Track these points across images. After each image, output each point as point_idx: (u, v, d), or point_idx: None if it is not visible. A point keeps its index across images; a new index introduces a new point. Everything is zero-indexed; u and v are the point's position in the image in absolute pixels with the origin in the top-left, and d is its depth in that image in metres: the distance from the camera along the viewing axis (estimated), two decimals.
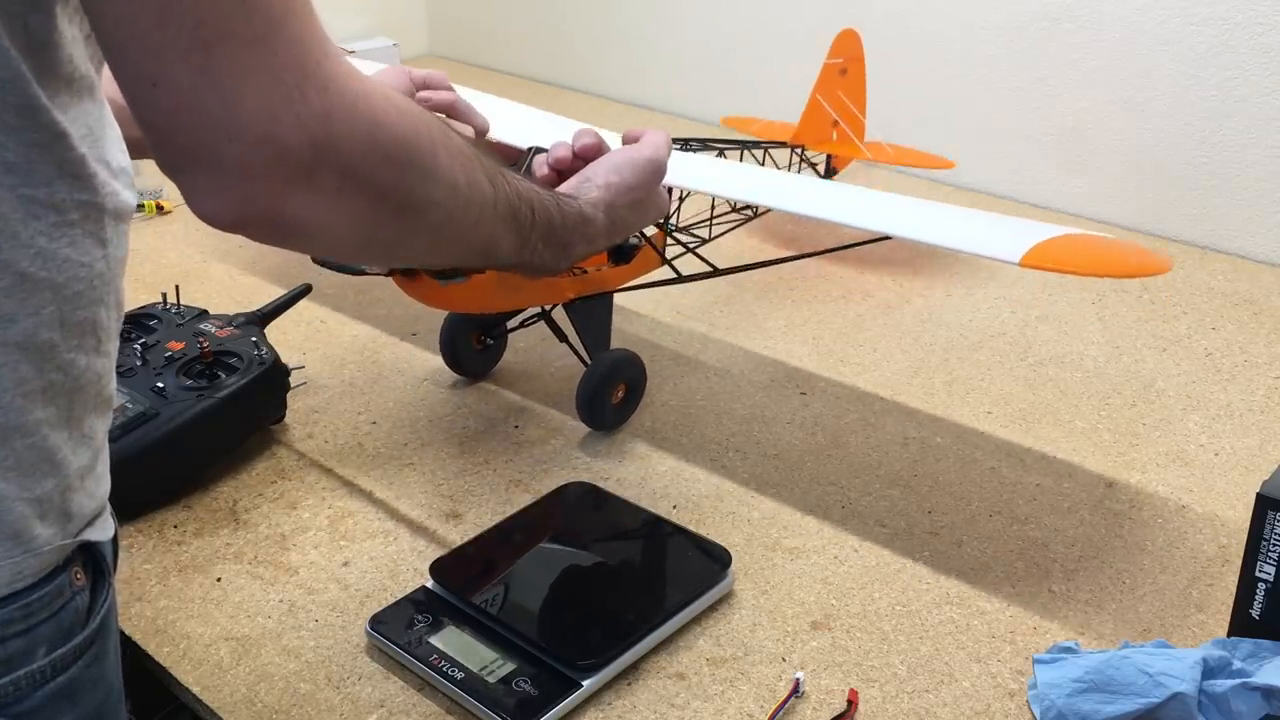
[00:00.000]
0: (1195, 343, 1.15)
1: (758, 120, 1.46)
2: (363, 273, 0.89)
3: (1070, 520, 0.88)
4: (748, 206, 1.14)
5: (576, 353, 1.00)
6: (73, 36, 0.49)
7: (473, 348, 1.06)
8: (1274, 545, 0.69)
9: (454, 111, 0.93)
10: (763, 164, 1.22)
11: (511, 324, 1.05)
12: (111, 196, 0.52)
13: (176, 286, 1.06)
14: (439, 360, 1.09)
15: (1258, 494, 0.69)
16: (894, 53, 1.56)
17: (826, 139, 1.31)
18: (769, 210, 1.16)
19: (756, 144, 1.18)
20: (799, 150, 1.25)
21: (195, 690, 0.72)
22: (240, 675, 0.73)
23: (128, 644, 0.77)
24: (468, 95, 1.08)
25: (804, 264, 1.30)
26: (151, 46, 0.44)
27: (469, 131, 0.92)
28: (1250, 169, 1.33)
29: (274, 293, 1.08)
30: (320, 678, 0.73)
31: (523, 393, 1.05)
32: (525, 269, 0.69)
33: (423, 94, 0.91)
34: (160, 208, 1.44)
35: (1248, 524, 0.70)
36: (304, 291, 1.06)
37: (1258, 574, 0.70)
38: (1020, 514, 0.89)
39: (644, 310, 1.21)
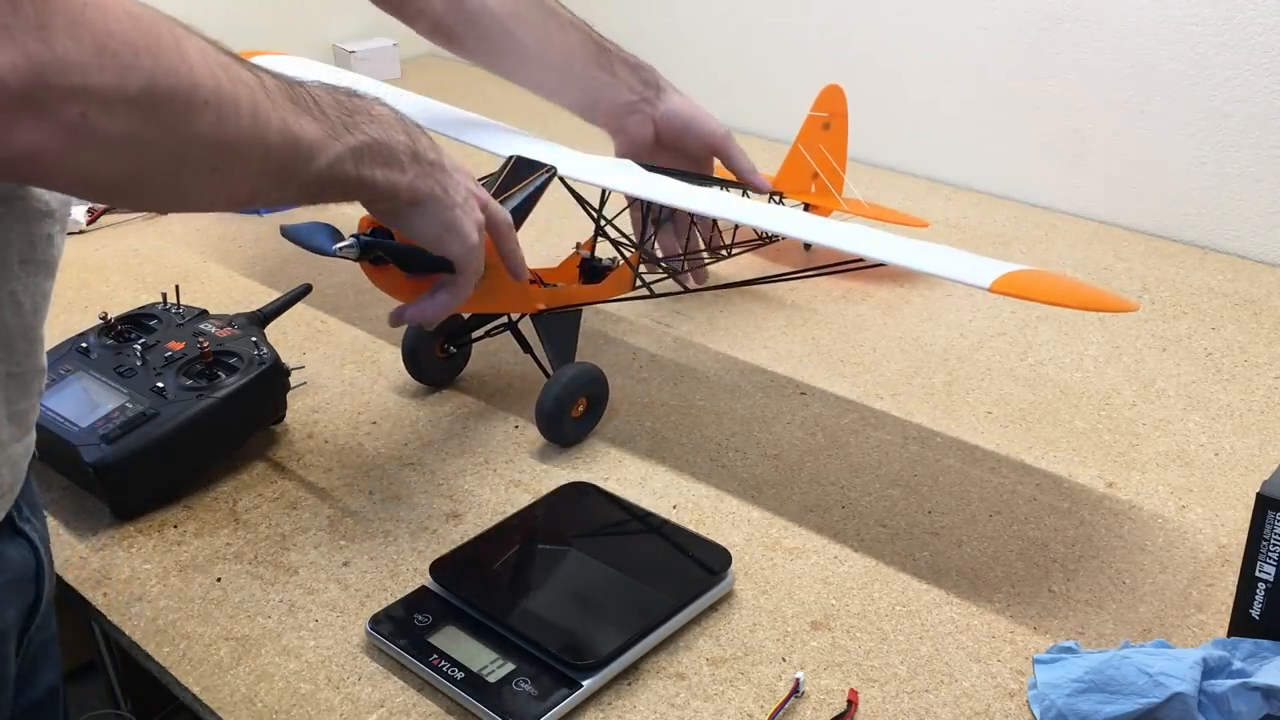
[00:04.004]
0: (1195, 343, 1.15)
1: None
2: (326, 253, 0.82)
3: (1070, 520, 0.88)
4: (722, 247, 1.14)
5: (540, 364, 1.00)
6: None
7: (435, 356, 1.05)
8: (1274, 545, 0.69)
9: None
10: None
11: (476, 333, 1.05)
12: None
13: (176, 286, 1.06)
14: None
15: (1258, 494, 0.69)
16: (896, 52, 1.56)
17: (805, 190, 1.30)
18: (741, 253, 1.15)
19: (734, 184, 1.18)
20: (777, 197, 1.24)
21: (195, 690, 0.72)
22: (240, 675, 0.73)
23: (129, 644, 0.77)
24: (433, 105, 1.09)
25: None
26: None
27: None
28: (1250, 169, 1.33)
29: (274, 293, 1.09)
30: (320, 678, 0.73)
31: (523, 393, 1.05)
32: (359, 180, 0.64)
33: None
34: None
35: (1248, 524, 0.70)
36: (304, 291, 1.06)
37: (1258, 574, 0.70)
38: (1020, 514, 0.89)
39: (643, 310, 1.21)
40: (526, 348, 1.02)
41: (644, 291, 1.04)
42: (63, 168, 0.47)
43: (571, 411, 0.96)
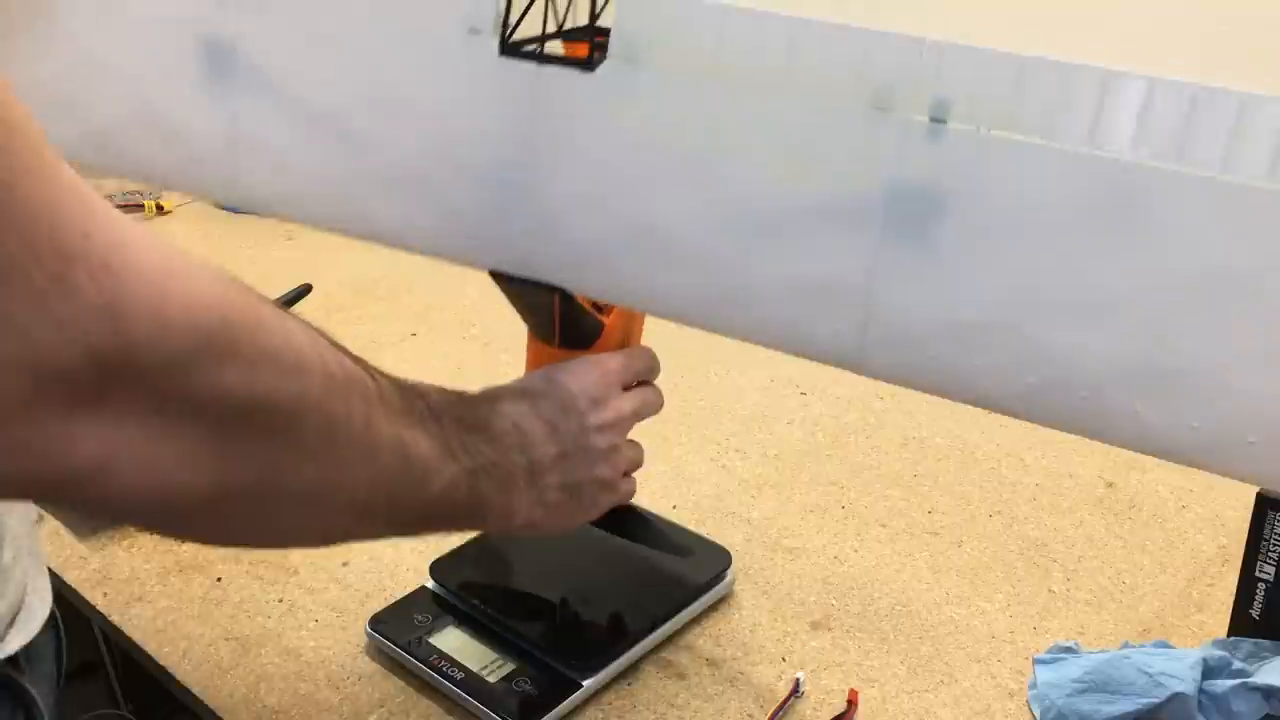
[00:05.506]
0: None
1: None
2: None
3: (1070, 520, 0.88)
4: None
5: None
6: None
7: None
8: (1274, 545, 0.69)
9: None
10: None
11: None
12: None
13: None
14: (439, 360, 1.09)
15: (1258, 494, 0.69)
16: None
17: None
18: None
19: None
20: None
21: (195, 690, 0.72)
22: (240, 675, 0.73)
23: (129, 644, 0.77)
24: None
25: None
26: None
27: None
28: None
29: (274, 293, 1.09)
30: (320, 678, 0.73)
31: None
32: (471, 508, 0.53)
33: None
34: (160, 207, 1.44)
35: (1248, 524, 0.70)
36: (304, 292, 1.06)
37: (1258, 574, 0.70)
38: (1020, 514, 0.89)
39: None
40: None
41: None
42: (135, 474, 0.36)
43: None
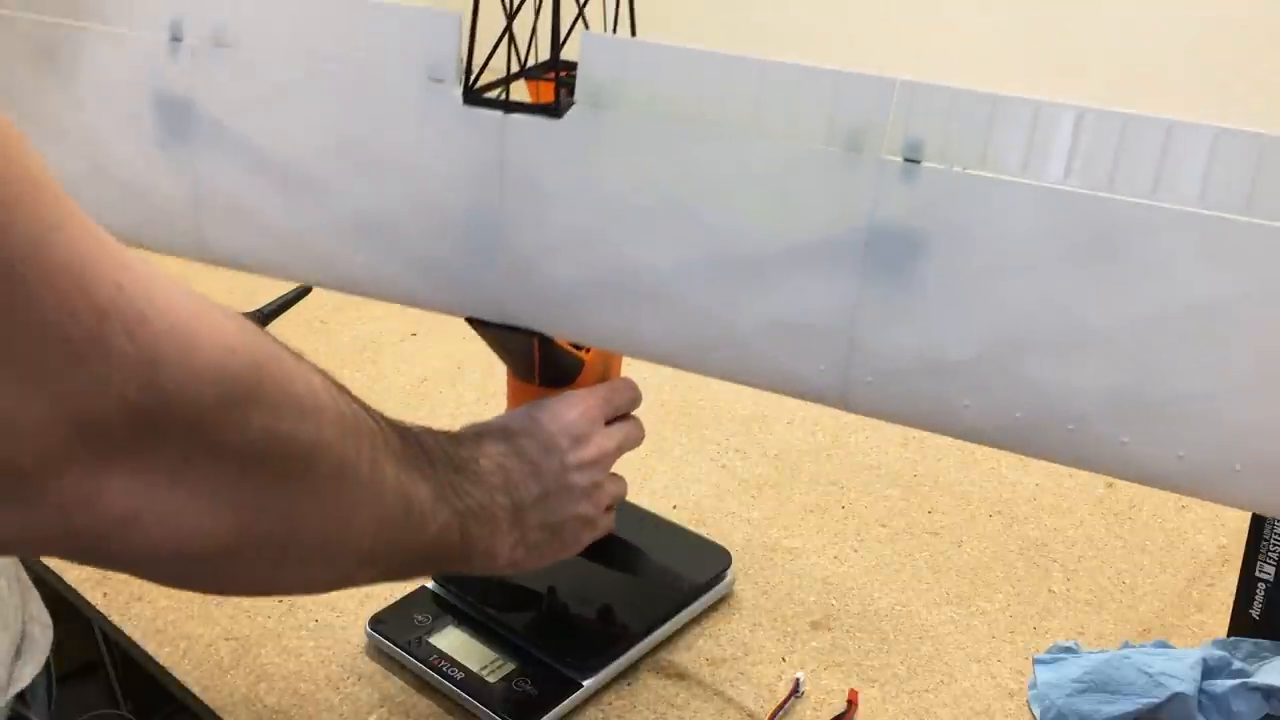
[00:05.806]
0: None
1: None
2: None
3: (1070, 520, 0.88)
4: None
5: None
6: None
7: None
8: (1274, 545, 0.69)
9: None
10: None
11: None
12: None
13: None
14: (439, 360, 1.09)
15: None
16: (903, 60, 1.56)
17: None
18: None
19: None
20: None
21: (195, 690, 0.72)
22: (240, 675, 0.73)
23: (128, 644, 0.77)
24: None
25: None
26: None
27: None
28: None
29: (274, 293, 1.08)
30: (320, 678, 0.73)
31: None
32: (463, 548, 0.53)
33: None
34: None
35: (1248, 524, 0.70)
36: (304, 292, 1.06)
37: (1258, 574, 0.70)
38: (1020, 514, 0.89)
39: None
40: None
41: None
42: (162, 525, 0.35)
43: None
